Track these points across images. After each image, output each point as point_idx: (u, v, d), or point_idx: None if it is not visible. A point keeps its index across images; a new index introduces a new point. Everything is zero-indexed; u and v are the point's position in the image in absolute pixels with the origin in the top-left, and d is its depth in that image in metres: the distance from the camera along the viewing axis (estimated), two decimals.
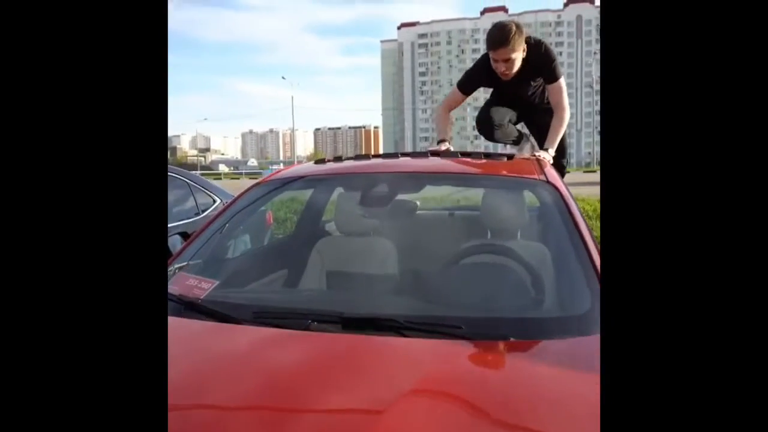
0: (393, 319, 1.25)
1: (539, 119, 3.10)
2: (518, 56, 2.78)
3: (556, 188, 1.82)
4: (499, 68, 2.83)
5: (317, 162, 2.34)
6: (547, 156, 2.57)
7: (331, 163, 2.28)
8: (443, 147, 2.65)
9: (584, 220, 1.65)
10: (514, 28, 2.72)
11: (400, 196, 2.23)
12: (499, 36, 2.73)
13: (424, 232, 2.35)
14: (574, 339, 1.18)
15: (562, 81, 2.88)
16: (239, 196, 2.06)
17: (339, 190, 2.29)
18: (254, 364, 1.16)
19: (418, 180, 2.08)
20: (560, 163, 3.01)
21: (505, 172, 2.05)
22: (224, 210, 2.04)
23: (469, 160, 2.21)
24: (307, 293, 1.82)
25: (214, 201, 4.09)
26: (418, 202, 2.95)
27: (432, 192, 2.47)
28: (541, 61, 2.85)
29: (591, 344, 1.07)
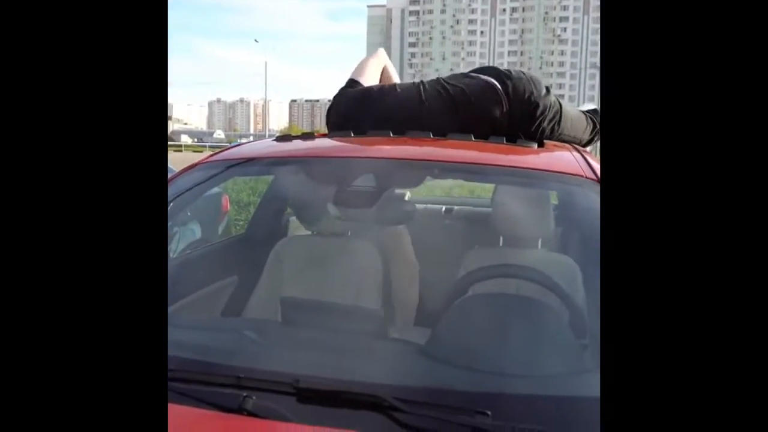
0: (377, 396, 0.94)
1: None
2: None
3: None
4: None
5: (280, 139, 1.93)
6: None
7: (299, 140, 1.87)
8: None
9: None
10: None
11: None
12: None
13: (417, 240, 1.94)
14: None
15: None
16: (178, 174, 1.72)
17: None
18: None
19: (417, 171, 1.66)
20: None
21: (538, 166, 1.62)
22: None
23: (487, 144, 1.77)
24: (247, 337, 1.34)
25: None
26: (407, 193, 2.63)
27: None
28: None
29: None
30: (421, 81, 2.12)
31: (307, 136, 1.91)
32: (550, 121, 2.15)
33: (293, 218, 2.32)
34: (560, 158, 1.69)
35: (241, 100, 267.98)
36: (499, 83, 2.07)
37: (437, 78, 2.17)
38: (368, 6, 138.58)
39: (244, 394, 0.95)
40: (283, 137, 1.94)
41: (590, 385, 1.05)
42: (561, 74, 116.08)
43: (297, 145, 1.83)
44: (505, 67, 2.30)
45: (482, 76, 2.11)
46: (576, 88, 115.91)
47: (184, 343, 1.16)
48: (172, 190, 1.62)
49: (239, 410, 0.93)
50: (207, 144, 70.67)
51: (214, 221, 3.39)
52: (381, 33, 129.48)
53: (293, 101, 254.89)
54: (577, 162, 1.57)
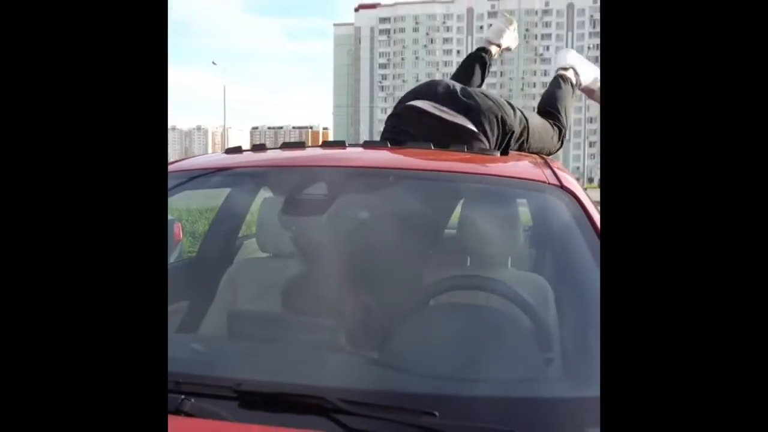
0: (321, 398, 0.97)
1: None
2: None
3: (575, 197, 1.46)
4: None
5: (229, 151, 1.97)
6: None
7: (250, 153, 1.93)
8: None
9: None
10: None
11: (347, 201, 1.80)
12: None
13: (378, 256, 2.04)
14: None
15: None
16: None
17: (264, 194, 1.99)
18: None
19: (375, 180, 1.71)
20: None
21: (502, 173, 1.70)
22: None
23: (448, 152, 1.84)
24: (190, 346, 1.41)
25: None
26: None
27: None
28: None
29: None
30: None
31: (259, 147, 1.97)
32: (518, 139, 2.24)
33: (248, 241, 2.39)
34: (524, 166, 1.80)
35: (198, 128, 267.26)
36: (471, 121, 2.09)
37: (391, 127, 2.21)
38: (335, 25, 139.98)
39: (182, 396, 0.99)
40: (233, 149, 1.98)
41: (545, 388, 1.15)
42: None
43: (249, 157, 1.89)
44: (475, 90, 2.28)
45: (451, 118, 2.09)
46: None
47: None
48: None
49: (176, 412, 0.97)
50: None
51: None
52: (349, 54, 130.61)
53: (254, 128, 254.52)
54: (540, 169, 1.66)
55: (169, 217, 3.70)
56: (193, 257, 2.68)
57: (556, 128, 2.57)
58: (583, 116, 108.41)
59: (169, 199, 1.64)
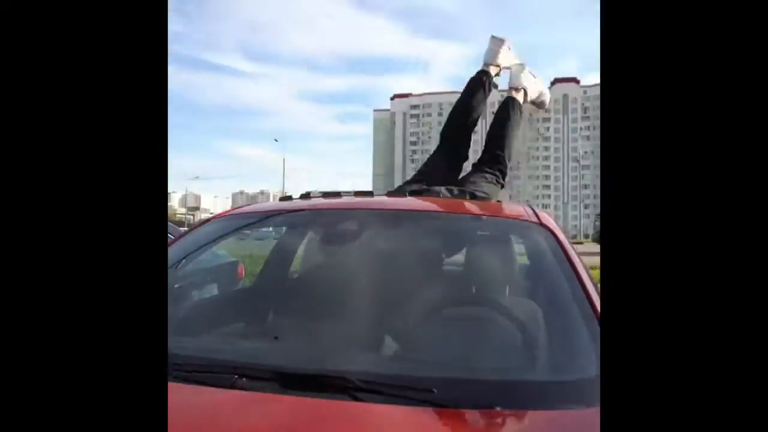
0: (343, 377, 1.04)
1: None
2: None
3: (552, 232, 1.59)
4: None
5: (282, 199, 2.17)
6: None
7: (299, 200, 2.10)
8: None
9: (588, 273, 1.41)
10: None
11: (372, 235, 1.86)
12: None
13: (397, 277, 1.94)
14: (575, 411, 0.96)
15: None
16: (190, 231, 1.91)
17: (310, 235, 2.11)
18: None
19: (393, 218, 1.83)
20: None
21: (492, 213, 1.86)
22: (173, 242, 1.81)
23: (449, 199, 2.05)
24: (239, 343, 1.51)
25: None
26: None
27: None
28: None
29: (594, 418, 0.78)
30: None
31: (305, 195, 2.13)
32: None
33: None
34: (512, 208, 1.92)
35: (262, 192, 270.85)
36: None
37: None
38: (374, 110, 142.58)
39: (236, 376, 1.07)
40: (285, 198, 2.17)
41: (528, 372, 1.21)
42: (546, 167, 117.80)
43: (297, 203, 2.03)
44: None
45: None
46: (560, 179, 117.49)
47: (188, 347, 1.29)
48: (186, 241, 1.82)
49: (232, 386, 1.05)
50: None
51: (231, 286, 3.45)
52: (386, 133, 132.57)
53: (307, 193, 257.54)
54: (524, 210, 1.79)
55: (234, 259, 3.78)
56: (253, 283, 2.69)
57: (498, 173, 2.52)
58: (579, 184, 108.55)
59: (234, 244, 1.86)
